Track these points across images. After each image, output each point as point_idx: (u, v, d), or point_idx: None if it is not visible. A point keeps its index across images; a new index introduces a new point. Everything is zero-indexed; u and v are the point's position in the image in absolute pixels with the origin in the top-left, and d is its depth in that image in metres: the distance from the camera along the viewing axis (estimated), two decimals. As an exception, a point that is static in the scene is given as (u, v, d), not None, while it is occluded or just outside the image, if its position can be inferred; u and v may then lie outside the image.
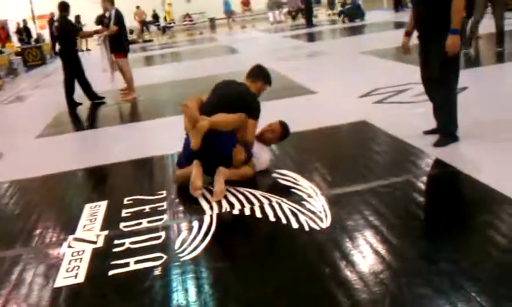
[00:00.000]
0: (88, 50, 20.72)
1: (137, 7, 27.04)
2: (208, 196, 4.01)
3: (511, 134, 4.50)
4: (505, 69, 7.70)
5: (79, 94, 9.10)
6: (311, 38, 17.34)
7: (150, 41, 25.30)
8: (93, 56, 14.39)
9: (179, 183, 4.28)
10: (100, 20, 8.95)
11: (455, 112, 4.41)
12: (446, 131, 4.44)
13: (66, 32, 9.01)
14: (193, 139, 3.98)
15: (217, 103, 4.33)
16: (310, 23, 21.14)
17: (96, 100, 9.12)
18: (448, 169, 4.01)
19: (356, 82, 7.81)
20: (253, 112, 4.36)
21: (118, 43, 8.94)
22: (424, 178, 3.99)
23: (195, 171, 4.02)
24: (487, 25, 9.38)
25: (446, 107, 4.39)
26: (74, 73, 8.93)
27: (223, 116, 4.13)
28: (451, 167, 4.01)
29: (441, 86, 4.34)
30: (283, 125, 4.66)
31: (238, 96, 4.38)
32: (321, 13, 28.32)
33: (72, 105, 8.98)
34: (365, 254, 2.91)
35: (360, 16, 20.11)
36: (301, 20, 25.77)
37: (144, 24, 27.53)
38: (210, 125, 3.98)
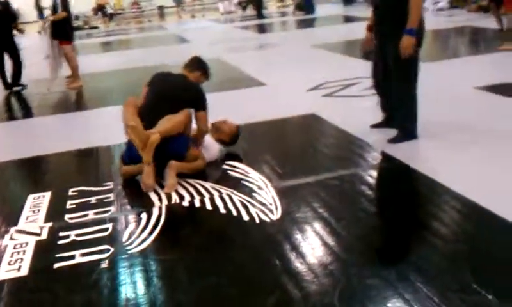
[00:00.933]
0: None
1: None
2: (158, 188, 3.95)
3: (461, 133, 4.60)
4: (445, 66, 7.91)
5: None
6: (261, 29, 17.35)
7: (96, 27, 24.68)
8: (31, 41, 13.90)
9: (126, 177, 4.19)
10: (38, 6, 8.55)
11: (414, 110, 4.42)
12: (404, 129, 4.46)
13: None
14: (145, 155, 3.88)
15: (158, 102, 4.19)
16: (260, 14, 21.15)
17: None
18: (395, 162, 4.10)
19: (305, 75, 7.86)
20: (201, 103, 4.32)
21: (63, 29, 8.66)
22: (372, 172, 4.06)
23: (147, 169, 3.93)
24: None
25: (404, 105, 4.41)
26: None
27: (170, 122, 4.02)
28: (397, 161, 4.10)
29: (398, 83, 4.36)
30: (238, 130, 4.63)
31: (179, 91, 4.27)
32: (271, 5, 28.36)
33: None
34: (315, 246, 2.94)
35: (310, 10, 20.23)
36: (252, 11, 25.77)
37: (101, 9, 26.84)
38: (160, 136, 3.89)
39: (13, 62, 9.17)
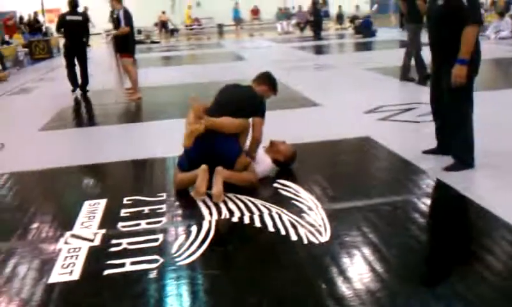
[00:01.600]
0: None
1: (163, 12, 27.53)
2: (209, 201, 4.00)
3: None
4: (507, 95, 7.68)
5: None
6: (318, 50, 17.38)
7: (157, 42, 25.36)
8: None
9: (179, 186, 4.27)
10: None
11: (470, 138, 4.35)
12: (460, 158, 4.39)
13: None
14: (187, 139, 4.07)
15: (221, 106, 4.35)
16: (318, 36, 21.19)
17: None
18: (450, 191, 4.00)
19: (361, 97, 7.81)
20: (260, 110, 4.44)
21: (125, 43, 8.94)
22: (425, 199, 3.97)
23: (202, 176, 4.01)
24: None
25: (460, 134, 4.35)
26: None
27: (226, 119, 4.17)
28: (453, 190, 3.99)
29: (452, 111, 4.34)
30: (294, 153, 4.66)
31: (243, 98, 4.42)
32: (330, 27, 28.40)
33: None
34: (363, 272, 2.90)
35: (369, 33, 20.11)
36: (309, 32, 25.87)
37: (163, 26, 27.74)
38: (210, 126, 4.05)
39: (81, 70, 10.13)
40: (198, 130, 4.03)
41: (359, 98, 7.80)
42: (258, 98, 4.54)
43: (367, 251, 3.13)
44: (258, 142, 4.47)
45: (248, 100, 4.43)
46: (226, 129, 4.17)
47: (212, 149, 4.13)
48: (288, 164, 4.65)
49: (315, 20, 22.05)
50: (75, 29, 10.00)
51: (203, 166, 4.06)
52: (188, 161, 4.25)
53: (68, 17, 9.99)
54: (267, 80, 4.75)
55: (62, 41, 10.59)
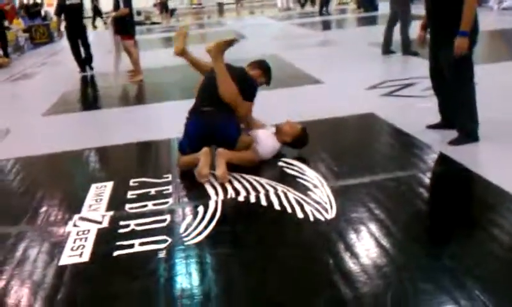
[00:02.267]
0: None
1: None
2: (214, 181, 4.03)
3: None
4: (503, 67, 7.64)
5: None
6: (319, 27, 17.26)
7: (157, 23, 25.21)
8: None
9: (183, 168, 4.30)
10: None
11: (473, 110, 4.35)
12: (464, 130, 4.40)
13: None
14: (176, 41, 4.67)
15: (212, 84, 4.30)
16: (326, 10, 20.95)
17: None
18: (454, 165, 4.01)
19: (363, 73, 7.78)
20: (249, 93, 4.38)
21: (125, 24, 8.91)
22: (430, 174, 3.99)
23: (204, 158, 4.03)
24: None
25: (463, 107, 4.35)
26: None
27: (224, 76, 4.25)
28: (458, 164, 4.00)
29: (455, 84, 4.32)
30: (303, 131, 4.54)
31: (234, 77, 4.31)
32: (331, 3, 28.15)
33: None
34: (369, 247, 2.93)
35: (370, 8, 19.90)
36: (310, 8, 25.68)
37: (163, 6, 27.30)
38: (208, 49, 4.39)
39: (85, 51, 10.61)
40: (183, 31, 4.63)
41: (362, 74, 7.77)
42: (250, 81, 4.47)
43: (372, 226, 3.15)
44: (243, 120, 4.46)
45: (238, 79, 4.33)
46: (221, 80, 4.20)
47: (212, 130, 4.16)
48: (300, 141, 4.52)
49: None
50: (75, 13, 10.35)
51: (205, 149, 4.08)
52: (188, 141, 4.26)
53: (68, 1, 10.23)
54: (260, 65, 4.73)
55: (63, 25, 10.57)
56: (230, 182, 3.97)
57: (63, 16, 10.45)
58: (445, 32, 4.22)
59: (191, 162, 4.20)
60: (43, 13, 23.38)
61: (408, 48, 8.90)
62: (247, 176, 4.05)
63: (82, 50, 10.56)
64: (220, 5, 29.62)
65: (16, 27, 17.28)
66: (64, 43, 12.83)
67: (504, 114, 5.10)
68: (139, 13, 24.57)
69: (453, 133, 4.44)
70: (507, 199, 3.36)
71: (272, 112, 4.60)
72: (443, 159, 4.19)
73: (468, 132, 4.36)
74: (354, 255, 2.85)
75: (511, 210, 3.24)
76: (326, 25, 17.73)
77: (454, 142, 4.35)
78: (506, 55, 9.15)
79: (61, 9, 10.32)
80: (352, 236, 3.06)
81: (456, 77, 4.30)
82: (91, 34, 11.75)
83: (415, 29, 4.82)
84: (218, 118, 4.17)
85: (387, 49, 9.20)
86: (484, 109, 4.45)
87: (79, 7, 10.49)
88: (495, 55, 9.27)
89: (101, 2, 24.57)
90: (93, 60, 10.73)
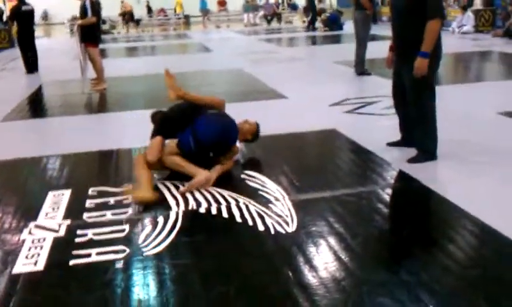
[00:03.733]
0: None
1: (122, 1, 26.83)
2: (175, 191, 3.99)
3: (481, 156, 4.59)
4: (468, 89, 7.87)
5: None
6: (284, 43, 17.43)
7: (118, 32, 24.99)
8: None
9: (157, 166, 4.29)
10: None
11: (433, 129, 4.44)
12: (423, 148, 4.47)
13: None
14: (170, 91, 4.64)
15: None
16: (313, 26, 21.21)
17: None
18: (414, 183, 4.08)
19: (327, 90, 7.88)
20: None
21: (91, 32, 8.81)
22: (389, 190, 4.05)
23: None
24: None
25: (422, 125, 4.43)
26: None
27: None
28: (416, 181, 4.08)
29: (416, 104, 4.40)
30: (258, 126, 4.85)
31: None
32: (296, 20, 28.50)
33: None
34: (328, 261, 2.94)
35: (335, 27, 20.19)
36: (276, 25, 25.93)
37: (130, 16, 27.00)
38: (182, 95, 4.57)
39: (33, 54, 11.45)
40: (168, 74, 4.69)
41: (325, 90, 7.87)
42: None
43: (332, 240, 3.18)
44: None
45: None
46: (199, 101, 4.51)
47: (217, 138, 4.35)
48: (256, 136, 4.85)
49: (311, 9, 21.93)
50: (29, 19, 11.40)
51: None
52: (194, 146, 4.22)
53: (24, 7, 11.23)
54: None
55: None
56: (192, 193, 3.95)
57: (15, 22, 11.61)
58: (408, 52, 4.30)
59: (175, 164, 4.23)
60: (4, 18, 22.86)
61: (361, 68, 9.04)
62: (209, 188, 4.03)
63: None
64: (186, 17, 29.54)
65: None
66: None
67: (462, 134, 5.23)
68: (104, 22, 24.33)
69: (413, 151, 4.53)
70: (463, 215, 3.44)
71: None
72: (402, 176, 4.26)
73: (427, 151, 4.46)
74: (314, 268, 2.86)
75: (466, 227, 3.31)
76: (292, 42, 17.91)
77: (413, 160, 4.44)
78: (465, 77, 9.43)
79: (16, 15, 11.31)
80: (312, 249, 3.08)
81: (416, 97, 4.39)
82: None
83: (383, 48, 4.89)
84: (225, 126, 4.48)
85: (362, 69, 9.21)
86: (444, 129, 4.56)
87: (31, 13, 11.50)
88: (455, 77, 9.55)
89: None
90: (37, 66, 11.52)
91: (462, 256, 2.98)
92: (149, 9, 30.44)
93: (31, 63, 11.42)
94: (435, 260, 2.95)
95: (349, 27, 20.27)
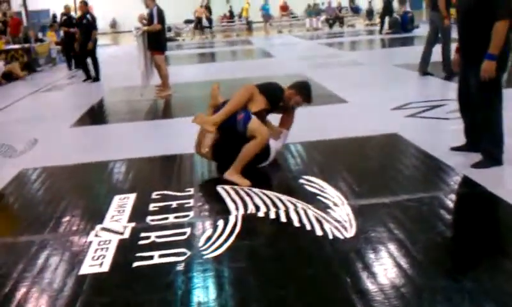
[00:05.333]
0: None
1: (202, 6, 27.42)
2: (235, 195, 4.06)
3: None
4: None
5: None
6: (347, 46, 17.29)
7: (183, 39, 25.54)
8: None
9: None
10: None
11: (499, 134, 4.32)
12: (488, 154, 4.36)
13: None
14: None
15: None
16: (381, 31, 20.85)
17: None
18: (478, 189, 3.96)
19: (389, 94, 7.77)
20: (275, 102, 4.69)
21: (157, 40, 9.06)
22: (452, 196, 3.95)
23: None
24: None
25: (488, 130, 4.32)
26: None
27: (228, 105, 4.44)
28: (481, 187, 3.96)
29: (482, 107, 4.30)
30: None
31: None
32: (359, 23, 28.20)
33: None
34: (388, 267, 2.91)
35: (401, 30, 19.75)
36: (338, 28, 25.75)
37: (199, 22, 27.52)
38: (219, 122, 4.39)
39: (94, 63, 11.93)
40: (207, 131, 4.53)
41: (387, 94, 7.76)
42: (278, 92, 4.69)
43: (392, 246, 3.14)
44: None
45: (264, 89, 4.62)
46: (233, 108, 4.38)
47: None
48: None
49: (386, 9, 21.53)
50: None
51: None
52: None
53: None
54: (296, 85, 4.83)
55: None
56: (251, 197, 4.00)
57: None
58: (474, 55, 4.20)
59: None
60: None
61: (448, 68, 8.51)
62: (267, 192, 4.07)
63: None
64: (249, 23, 29.81)
65: (49, 39, 17.69)
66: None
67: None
68: (169, 29, 24.97)
69: (478, 157, 4.40)
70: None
71: (295, 130, 4.62)
72: (466, 182, 4.15)
73: (492, 156, 4.32)
74: (372, 274, 2.84)
75: (534, 235, 3.19)
76: (354, 46, 17.74)
77: (477, 166, 4.31)
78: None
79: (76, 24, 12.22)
80: (371, 255, 3.05)
81: (482, 101, 4.27)
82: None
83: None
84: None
85: (425, 69, 8.97)
86: (510, 134, 4.40)
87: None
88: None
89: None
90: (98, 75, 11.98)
91: (529, 266, 2.87)
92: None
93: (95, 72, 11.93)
94: (500, 269, 2.86)
95: (424, 29, 19.92)
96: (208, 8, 27.93)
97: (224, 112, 4.38)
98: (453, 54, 4.64)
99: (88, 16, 11.85)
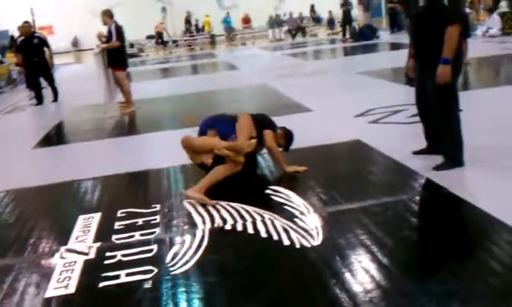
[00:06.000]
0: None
1: (161, 23, 27.21)
2: (201, 209, 4.04)
3: (510, 161, 4.51)
4: (496, 93, 7.74)
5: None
6: (311, 56, 17.46)
7: (146, 55, 25.44)
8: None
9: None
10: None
11: (458, 136, 4.39)
12: (449, 155, 4.43)
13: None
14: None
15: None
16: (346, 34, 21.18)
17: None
18: (441, 191, 4.03)
19: (352, 101, 7.88)
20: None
21: (117, 57, 9.00)
22: (417, 199, 4.02)
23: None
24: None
25: (447, 132, 4.39)
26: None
27: (239, 133, 4.57)
28: (444, 189, 4.03)
29: (439, 111, 4.37)
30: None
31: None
32: (321, 33, 28.54)
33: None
34: (356, 273, 2.93)
35: (361, 38, 20.06)
36: (301, 39, 26.01)
37: (160, 37, 27.36)
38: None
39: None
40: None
41: (350, 102, 7.86)
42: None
43: (359, 252, 3.16)
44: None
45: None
46: (248, 133, 4.54)
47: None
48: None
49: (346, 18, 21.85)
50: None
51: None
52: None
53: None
54: (285, 129, 4.97)
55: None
56: (217, 210, 3.99)
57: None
58: (429, 60, 4.28)
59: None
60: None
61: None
62: (234, 204, 4.06)
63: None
64: (212, 37, 29.85)
65: (9, 60, 17.36)
66: (57, 76, 12.97)
67: (489, 139, 5.15)
68: (132, 46, 24.80)
69: (439, 159, 4.48)
70: (492, 222, 3.38)
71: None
72: (429, 184, 4.21)
73: (453, 158, 4.40)
74: (341, 281, 2.85)
75: (498, 234, 3.25)
76: (317, 55, 17.94)
77: (439, 168, 4.39)
78: (492, 82, 9.28)
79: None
80: (339, 262, 3.07)
81: (440, 104, 4.35)
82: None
83: (405, 56, 4.87)
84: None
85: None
86: (470, 135, 4.51)
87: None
88: (481, 81, 9.42)
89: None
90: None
91: (493, 264, 2.91)
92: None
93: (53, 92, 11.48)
94: (466, 270, 2.90)
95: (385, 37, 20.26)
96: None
97: (244, 138, 4.48)
98: (406, 60, 4.74)
99: (38, 34, 11.73)
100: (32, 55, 11.34)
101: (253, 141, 4.57)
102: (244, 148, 4.40)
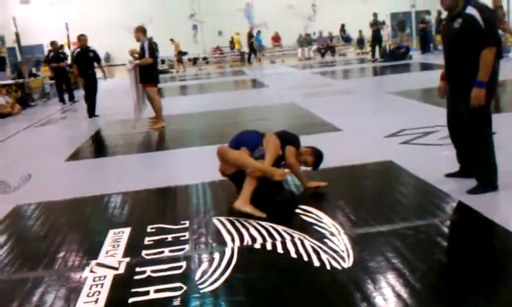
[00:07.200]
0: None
1: (172, 40, 27.46)
2: (231, 227, 4.03)
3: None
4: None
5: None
6: (339, 75, 17.42)
7: (176, 71, 25.73)
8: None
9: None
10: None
11: (492, 159, 4.32)
12: (483, 179, 4.36)
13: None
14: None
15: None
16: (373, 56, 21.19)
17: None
18: (473, 214, 3.96)
19: (382, 121, 7.81)
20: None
21: (149, 73, 9.11)
22: (449, 223, 3.94)
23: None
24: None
25: (481, 156, 4.33)
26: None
27: (269, 154, 4.54)
28: (477, 213, 3.95)
29: (473, 134, 4.32)
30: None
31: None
32: (350, 52, 28.49)
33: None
34: (387, 297, 2.88)
35: (392, 58, 19.94)
36: (330, 57, 26.00)
37: (180, 54, 27.63)
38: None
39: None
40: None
41: (381, 122, 7.79)
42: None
43: (390, 276, 3.11)
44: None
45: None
46: (276, 152, 4.54)
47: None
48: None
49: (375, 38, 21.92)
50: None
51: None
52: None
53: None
54: (314, 148, 4.97)
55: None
56: (247, 229, 3.97)
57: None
58: (462, 82, 4.23)
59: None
60: (69, 61, 23.92)
61: None
62: (264, 223, 4.04)
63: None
64: (242, 54, 30.03)
65: (44, 73, 17.74)
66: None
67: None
68: (162, 62, 25.11)
69: (472, 182, 4.40)
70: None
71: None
72: (462, 208, 4.14)
73: (486, 181, 4.32)
74: (371, 305, 2.80)
75: (533, 261, 3.17)
76: (346, 74, 17.89)
77: (472, 191, 4.31)
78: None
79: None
80: (369, 285, 3.02)
81: (473, 128, 4.29)
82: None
83: (437, 77, 4.81)
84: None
85: None
86: (503, 158, 4.42)
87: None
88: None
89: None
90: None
91: (528, 292, 2.85)
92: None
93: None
94: (498, 295, 2.84)
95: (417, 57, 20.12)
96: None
97: (271, 158, 4.47)
98: (439, 80, 4.67)
99: (92, 48, 11.68)
100: (87, 67, 11.39)
101: (287, 170, 4.61)
102: (276, 176, 4.37)
